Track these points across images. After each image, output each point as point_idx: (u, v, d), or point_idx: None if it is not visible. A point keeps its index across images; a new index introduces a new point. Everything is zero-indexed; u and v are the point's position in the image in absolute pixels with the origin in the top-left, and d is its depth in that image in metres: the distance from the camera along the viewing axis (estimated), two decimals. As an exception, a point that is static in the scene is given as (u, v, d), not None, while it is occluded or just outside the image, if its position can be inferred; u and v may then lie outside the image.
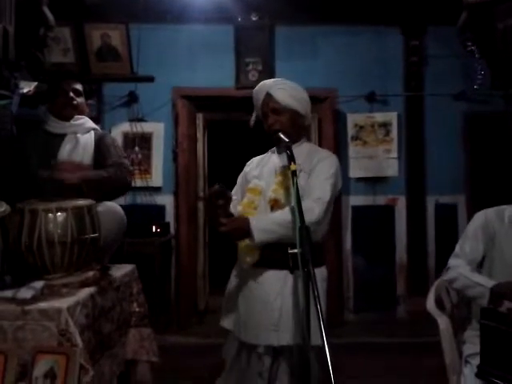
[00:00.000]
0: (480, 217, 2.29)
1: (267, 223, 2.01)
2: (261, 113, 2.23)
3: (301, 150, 2.18)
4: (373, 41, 4.83)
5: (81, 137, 2.52)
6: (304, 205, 1.83)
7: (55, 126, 2.53)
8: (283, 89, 2.17)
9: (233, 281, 2.27)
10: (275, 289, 2.07)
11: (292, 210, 1.95)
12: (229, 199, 2.05)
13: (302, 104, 2.19)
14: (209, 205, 2.10)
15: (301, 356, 1.94)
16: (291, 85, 2.21)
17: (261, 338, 2.06)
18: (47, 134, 2.53)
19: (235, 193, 2.35)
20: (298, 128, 2.22)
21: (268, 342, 2.04)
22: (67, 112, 2.54)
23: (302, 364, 1.85)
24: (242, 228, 1.99)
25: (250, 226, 1.97)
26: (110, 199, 2.60)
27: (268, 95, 2.17)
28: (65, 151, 2.46)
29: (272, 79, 2.31)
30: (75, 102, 2.56)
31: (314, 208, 2.01)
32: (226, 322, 2.24)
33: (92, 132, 2.58)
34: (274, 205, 2.11)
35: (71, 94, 2.55)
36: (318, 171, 2.13)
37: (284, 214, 2.01)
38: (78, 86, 2.60)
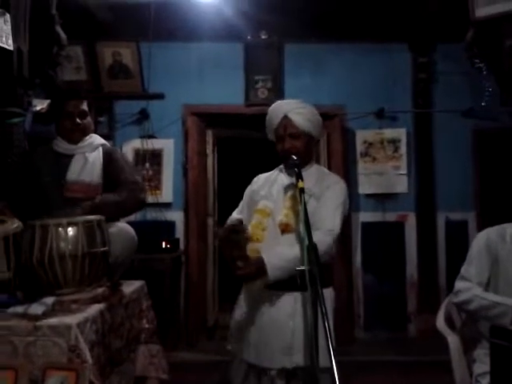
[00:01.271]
0: (482, 237, 2.28)
1: (280, 261, 2.01)
2: (275, 134, 2.21)
3: (310, 173, 2.17)
4: (381, 58, 4.86)
5: (89, 155, 2.50)
6: (315, 237, 1.85)
7: (63, 147, 2.52)
8: (301, 113, 2.16)
9: (241, 305, 2.24)
10: (287, 311, 2.06)
11: (301, 245, 1.95)
12: (245, 235, 2.08)
13: (316, 128, 2.21)
14: (225, 242, 2.10)
15: (313, 377, 1.92)
16: (308, 108, 2.21)
17: (274, 362, 2.04)
18: (56, 153, 2.52)
19: (241, 211, 2.36)
20: (310, 151, 2.24)
21: (281, 365, 2.03)
22: (75, 137, 2.51)
23: None
24: (258, 269, 1.99)
25: (266, 266, 1.98)
26: (125, 217, 2.64)
27: (286, 118, 2.15)
28: (74, 171, 2.45)
29: (289, 101, 2.27)
30: (82, 126, 2.52)
31: (326, 240, 2.02)
32: (234, 347, 2.21)
33: (100, 148, 2.56)
34: (285, 229, 2.11)
35: (78, 120, 2.50)
36: (328, 199, 2.13)
37: (295, 250, 2.01)
38: (84, 107, 2.54)
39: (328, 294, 2.09)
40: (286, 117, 2.16)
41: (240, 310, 2.24)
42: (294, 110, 2.17)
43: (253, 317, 2.14)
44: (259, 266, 1.99)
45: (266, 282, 2.00)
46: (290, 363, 2.01)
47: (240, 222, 2.20)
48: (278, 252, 2.04)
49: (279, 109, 2.20)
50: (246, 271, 2.00)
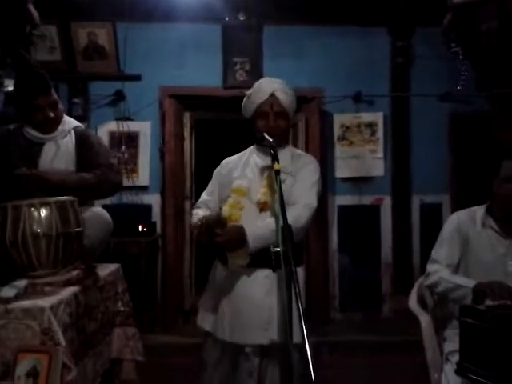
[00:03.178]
0: (453, 220, 2.33)
1: (261, 230, 2.02)
2: (257, 109, 2.18)
3: (285, 153, 2.19)
4: (360, 41, 4.85)
5: (61, 142, 2.43)
6: (292, 211, 1.89)
7: (35, 135, 2.43)
8: (287, 94, 2.20)
9: (214, 281, 2.24)
10: (264, 288, 2.07)
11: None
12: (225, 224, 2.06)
13: (293, 111, 2.27)
14: (205, 233, 2.06)
15: (287, 354, 1.94)
16: (292, 90, 2.24)
17: (250, 339, 2.05)
18: (27, 139, 2.44)
19: (211, 193, 2.33)
20: (288, 132, 2.31)
21: (258, 341, 2.04)
22: (49, 129, 2.42)
23: (288, 362, 1.85)
24: (238, 237, 1.99)
25: (246, 234, 1.98)
26: (99, 199, 2.60)
27: (273, 96, 2.15)
28: (46, 160, 2.38)
29: (276, 79, 2.26)
30: (54, 117, 2.42)
31: (302, 215, 2.07)
32: (206, 323, 2.20)
33: (72, 132, 2.48)
34: (264, 207, 2.12)
35: (51, 114, 2.40)
36: (303, 177, 2.18)
37: (274, 221, 2.02)
38: (53, 96, 2.43)
39: (299, 274, 2.11)
40: (273, 95, 2.16)
41: (212, 286, 2.24)
42: (281, 89, 2.19)
43: (227, 294, 2.14)
44: (239, 235, 1.99)
45: (247, 252, 2.00)
46: (267, 339, 2.03)
47: (218, 214, 2.14)
48: (258, 223, 2.06)
49: (268, 85, 2.20)
50: (224, 238, 1.99)
